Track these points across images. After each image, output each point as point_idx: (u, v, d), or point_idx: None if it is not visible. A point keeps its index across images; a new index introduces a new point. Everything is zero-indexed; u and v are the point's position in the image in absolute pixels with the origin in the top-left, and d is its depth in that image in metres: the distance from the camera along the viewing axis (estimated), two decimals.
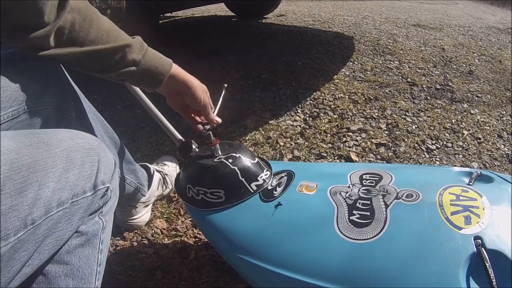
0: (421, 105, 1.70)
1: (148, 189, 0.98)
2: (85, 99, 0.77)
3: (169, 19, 3.30)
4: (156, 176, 1.02)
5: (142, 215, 1.00)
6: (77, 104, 0.73)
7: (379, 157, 1.32)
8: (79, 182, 0.49)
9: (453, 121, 1.58)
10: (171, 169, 1.12)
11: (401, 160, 1.30)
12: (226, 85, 0.83)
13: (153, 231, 1.00)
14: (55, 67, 0.67)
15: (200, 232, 0.98)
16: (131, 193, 0.92)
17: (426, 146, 1.39)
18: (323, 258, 0.56)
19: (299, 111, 1.59)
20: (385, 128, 1.48)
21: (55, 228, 0.47)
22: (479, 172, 0.64)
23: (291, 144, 1.36)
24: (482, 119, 1.62)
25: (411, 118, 1.57)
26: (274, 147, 1.35)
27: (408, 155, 1.32)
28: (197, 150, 0.78)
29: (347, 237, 0.56)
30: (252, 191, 0.70)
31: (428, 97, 1.78)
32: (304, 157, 1.30)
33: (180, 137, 0.81)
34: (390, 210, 0.58)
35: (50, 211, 0.45)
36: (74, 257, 0.53)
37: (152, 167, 1.03)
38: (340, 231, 0.57)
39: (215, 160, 0.72)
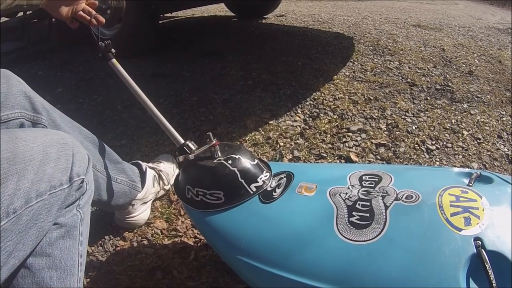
0: (421, 105, 1.70)
1: (143, 186, 0.98)
2: (57, 110, 0.80)
3: (169, 19, 3.30)
4: (150, 173, 1.02)
5: (141, 213, 1.00)
6: (48, 113, 0.76)
7: (379, 157, 1.32)
8: (56, 175, 0.53)
9: (453, 121, 1.58)
10: (167, 166, 1.12)
11: (401, 160, 1.30)
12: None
13: (153, 231, 1.00)
14: (9, 79, 0.70)
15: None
16: (125, 192, 0.93)
17: (426, 147, 1.39)
18: (322, 260, 0.56)
19: (299, 111, 1.59)
20: (385, 129, 1.48)
21: (37, 220, 0.51)
22: (478, 172, 0.64)
23: (291, 145, 1.36)
24: (482, 120, 1.61)
25: (411, 119, 1.57)
26: (274, 147, 1.35)
27: (408, 156, 1.32)
28: (196, 151, 0.78)
29: (346, 238, 0.56)
30: (251, 192, 0.70)
31: (428, 98, 1.78)
32: (304, 158, 1.30)
33: (180, 138, 0.81)
34: (389, 211, 0.58)
35: (29, 201, 0.49)
36: (56, 249, 0.56)
37: (144, 164, 1.03)
38: (340, 233, 0.57)
39: (214, 161, 0.72)
